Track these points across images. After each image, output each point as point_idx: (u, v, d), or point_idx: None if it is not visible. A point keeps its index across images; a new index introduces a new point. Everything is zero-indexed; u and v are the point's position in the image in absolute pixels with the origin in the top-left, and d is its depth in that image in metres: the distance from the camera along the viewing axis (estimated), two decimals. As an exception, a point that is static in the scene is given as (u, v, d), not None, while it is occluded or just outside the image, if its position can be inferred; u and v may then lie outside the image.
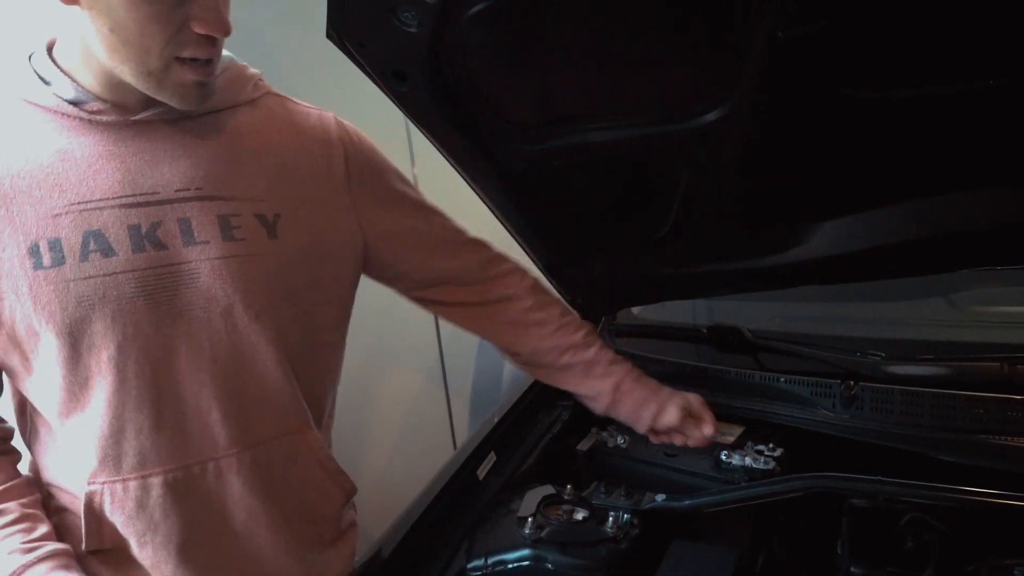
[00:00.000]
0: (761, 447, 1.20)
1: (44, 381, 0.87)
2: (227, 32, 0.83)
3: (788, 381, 1.28)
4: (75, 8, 0.79)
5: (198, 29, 0.80)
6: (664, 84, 1.08)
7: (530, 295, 1.18)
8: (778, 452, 1.19)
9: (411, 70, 1.05)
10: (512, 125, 1.16)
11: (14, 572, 0.83)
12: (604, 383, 1.18)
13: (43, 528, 0.89)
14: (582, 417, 1.40)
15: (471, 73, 1.08)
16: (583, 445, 1.32)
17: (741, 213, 1.29)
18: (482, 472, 1.24)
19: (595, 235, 1.40)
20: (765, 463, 1.16)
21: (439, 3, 0.94)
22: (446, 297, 1.15)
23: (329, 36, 1.01)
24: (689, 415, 1.15)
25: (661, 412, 1.15)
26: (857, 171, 1.14)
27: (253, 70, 1.00)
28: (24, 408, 0.95)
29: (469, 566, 1.04)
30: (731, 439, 1.24)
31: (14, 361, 0.87)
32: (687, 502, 1.09)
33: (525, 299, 1.18)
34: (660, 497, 1.12)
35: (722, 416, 1.30)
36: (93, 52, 0.82)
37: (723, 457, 1.19)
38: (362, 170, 1.03)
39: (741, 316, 1.50)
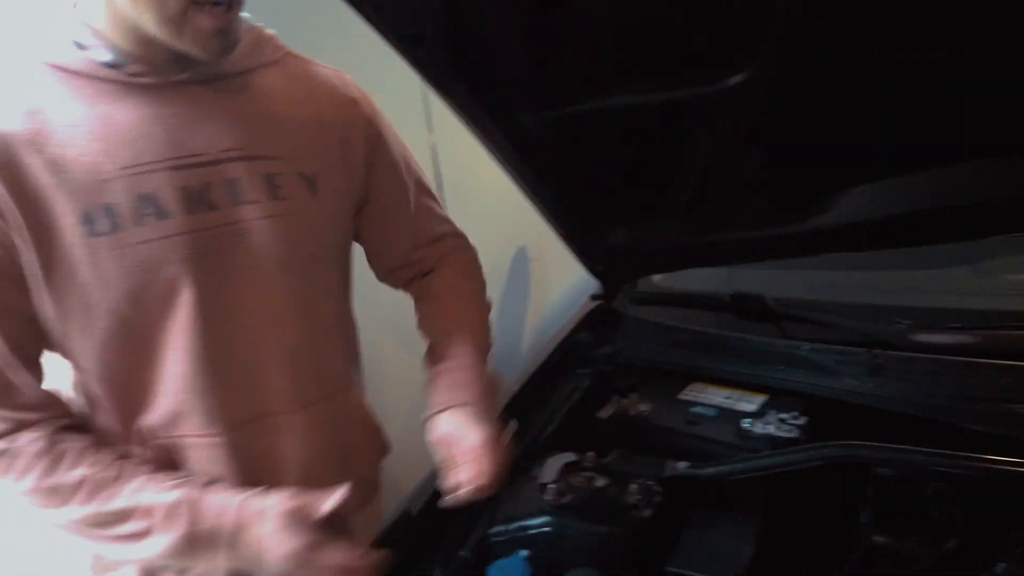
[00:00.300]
0: (784, 415, 1.19)
1: (105, 349, 0.87)
2: None
3: (812, 349, 1.27)
4: None
5: None
6: (688, 46, 1.06)
7: (448, 275, 1.15)
8: (801, 420, 1.18)
9: (429, 33, 1.04)
10: (531, 89, 1.15)
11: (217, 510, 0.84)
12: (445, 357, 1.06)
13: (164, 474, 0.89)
14: (603, 384, 1.40)
15: (490, 36, 1.06)
16: (604, 412, 1.31)
17: (765, 179, 1.27)
18: (503, 439, 1.25)
19: (615, 202, 1.39)
20: (788, 431, 1.15)
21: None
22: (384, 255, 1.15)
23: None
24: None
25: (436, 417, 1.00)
26: (884, 136, 1.12)
27: (269, 31, 1.00)
28: (79, 379, 0.94)
29: (491, 531, 1.04)
30: (753, 407, 1.23)
31: (67, 333, 0.87)
32: (710, 470, 1.09)
33: (439, 272, 1.15)
34: (682, 465, 1.11)
35: (744, 384, 1.30)
36: (116, 6, 0.81)
37: (746, 425, 1.18)
38: (379, 132, 1.04)
39: (763, 284, 1.48)
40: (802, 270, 1.55)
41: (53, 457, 0.85)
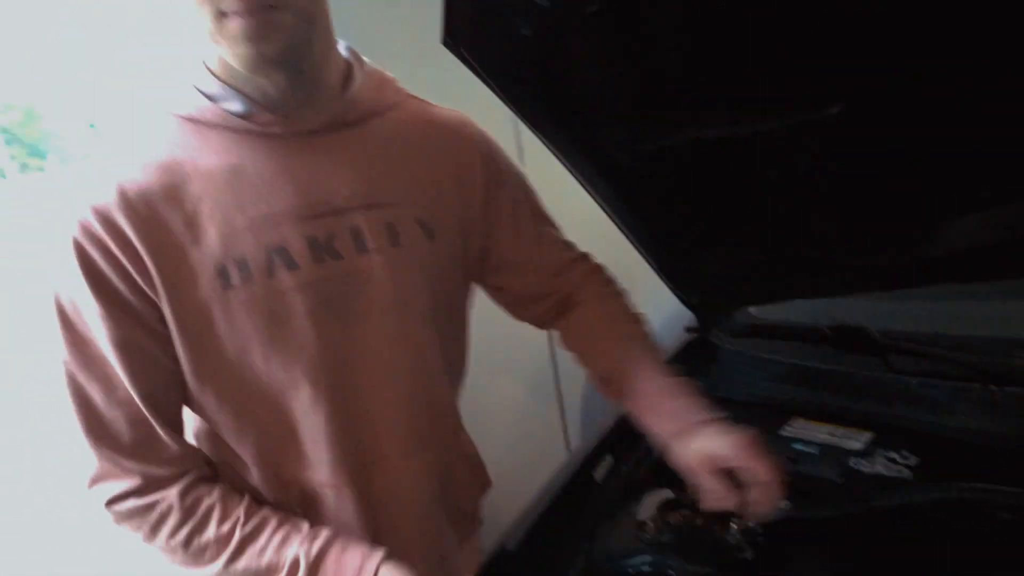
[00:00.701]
0: (893, 454, 1.14)
1: (238, 400, 0.90)
2: None
3: (922, 384, 1.21)
4: None
5: None
6: (784, 79, 1.04)
7: (593, 300, 1.15)
8: (912, 460, 1.13)
9: (525, 73, 1.06)
10: (623, 124, 1.15)
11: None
12: (646, 383, 1.06)
13: (302, 523, 0.91)
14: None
15: (584, 73, 1.07)
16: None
17: (866, 208, 1.23)
18: (599, 474, 1.24)
19: (710, 232, 1.37)
20: (899, 471, 1.10)
21: (553, 6, 0.94)
22: (517, 294, 1.16)
23: (445, 43, 1.02)
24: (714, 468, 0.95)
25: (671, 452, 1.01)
26: (996, 161, 1.07)
27: (389, 75, 1.02)
28: (206, 430, 0.98)
29: (589, 569, 1.04)
30: (860, 445, 1.18)
31: (197, 386, 0.89)
32: (815, 512, 1.05)
33: (584, 302, 1.14)
34: (784, 504, 1.08)
35: (849, 420, 1.25)
36: (199, 37, 0.81)
37: (852, 464, 1.14)
38: (497, 170, 1.05)
39: (866, 315, 1.43)
40: (908, 300, 1.49)
41: (198, 516, 0.87)
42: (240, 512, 0.89)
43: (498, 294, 1.16)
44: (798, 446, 1.23)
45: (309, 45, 0.85)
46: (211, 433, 0.95)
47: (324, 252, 0.88)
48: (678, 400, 1.01)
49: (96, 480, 0.87)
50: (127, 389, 0.85)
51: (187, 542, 0.86)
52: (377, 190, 0.92)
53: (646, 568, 1.00)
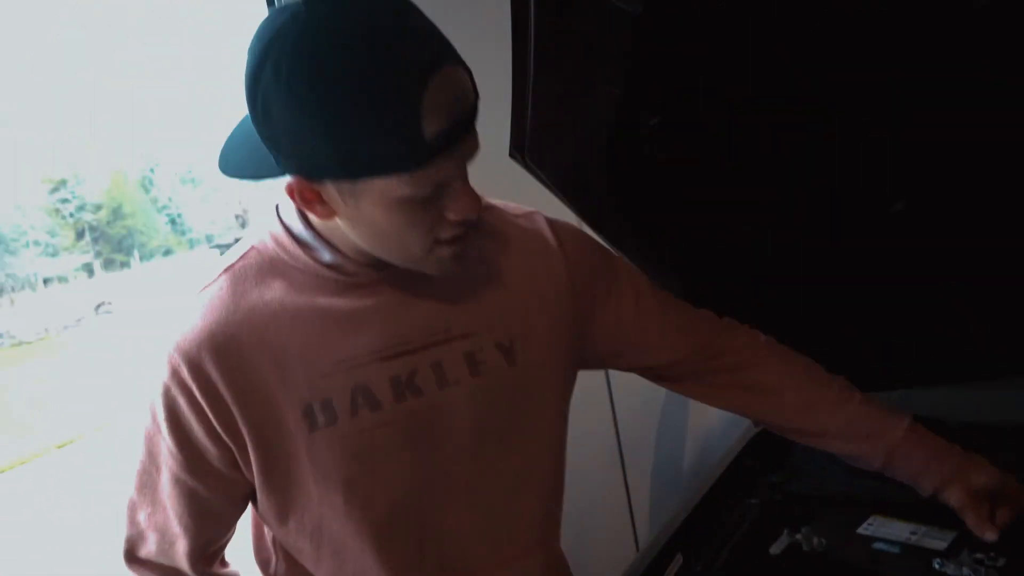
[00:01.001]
0: (980, 555, 1.09)
1: (313, 538, 0.93)
2: (479, 210, 0.83)
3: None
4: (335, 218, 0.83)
5: (453, 217, 0.81)
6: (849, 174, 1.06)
7: (762, 358, 1.12)
8: (1000, 561, 1.08)
9: (592, 180, 1.10)
10: (690, 228, 1.18)
11: None
12: (868, 447, 1.08)
13: None
14: (774, 516, 1.34)
15: (651, 178, 1.11)
16: (776, 548, 1.25)
17: (941, 301, 1.22)
18: (670, 574, 1.22)
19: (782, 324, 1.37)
20: (986, 573, 1.06)
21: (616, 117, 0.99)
22: (665, 374, 1.15)
23: (512, 156, 1.08)
24: (981, 499, 1.01)
25: (942, 491, 1.05)
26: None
27: None
28: (262, 539, 1.03)
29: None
30: (944, 545, 1.14)
31: (275, 522, 0.94)
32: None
33: (756, 363, 1.12)
34: (868, 608, 1.04)
35: (932, 518, 1.21)
36: (349, 240, 0.85)
37: (936, 566, 1.09)
38: (582, 274, 1.03)
39: (943, 405, 1.39)
40: (985, 391, 1.44)
41: None
42: None
43: (635, 370, 1.15)
44: (879, 546, 1.19)
45: None
46: (289, 556, 0.99)
47: (406, 389, 0.90)
48: (922, 448, 1.05)
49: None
50: (171, 525, 0.93)
51: None
52: (457, 322, 0.93)
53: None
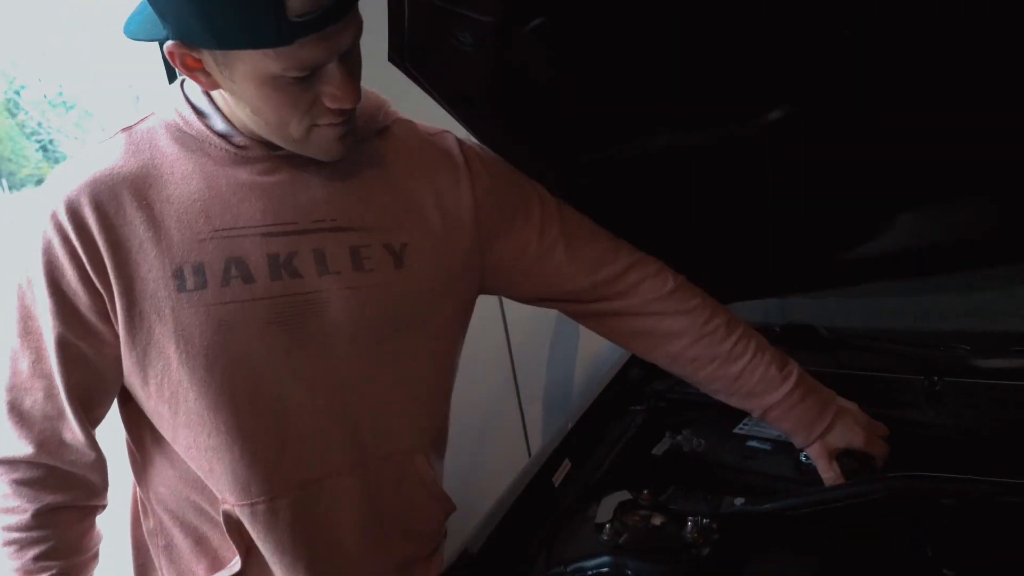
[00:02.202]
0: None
1: (171, 405, 0.90)
2: (357, 101, 0.84)
3: (868, 379, 1.25)
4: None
5: (329, 104, 0.83)
6: (733, 82, 1.07)
7: (664, 301, 1.11)
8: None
9: (475, 91, 1.07)
10: (576, 137, 1.17)
11: None
12: (751, 404, 1.12)
13: None
14: (657, 421, 1.39)
15: (534, 89, 1.08)
16: (658, 449, 1.31)
17: (810, 210, 1.26)
18: (557, 479, 1.25)
19: (665, 239, 1.39)
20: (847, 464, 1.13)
21: (494, 21, 0.95)
22: (567, 309, 1.15)
23: (392, 60, 1.03)
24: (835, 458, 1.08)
25: (805, 449, 1.12)
26: (936, 159, 1.10)
27: (383, 96, 1.02)
28: (137, 434, 0.99)
29: (548, 573, 1.05)
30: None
31: (137, 383, 0.91)
32: (767, 506, 1.07)
33: (657, 307, 1.11)
34: (739, 501, 1.10)
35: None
36: (239, 115, 0.87)
37: (804, 459, 1.16)
38: (486, 196, 1.03)
39: (813, 313, 1.46)
40: (854, 298, 1.53)
41: (28, 537, 0.91)
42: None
43: (537, 302, 1.15)
44: (752, 443, 1.26)
45: None
46: (144, 440, 0.97)
47: (283, 268, 0.89)
48: (801, 408, 1.08)
49: None
50: (53, 369, 0.89)
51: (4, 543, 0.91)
52: (347, 214, 0.93)
53: (605, 570, 1.01)
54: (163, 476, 0.98)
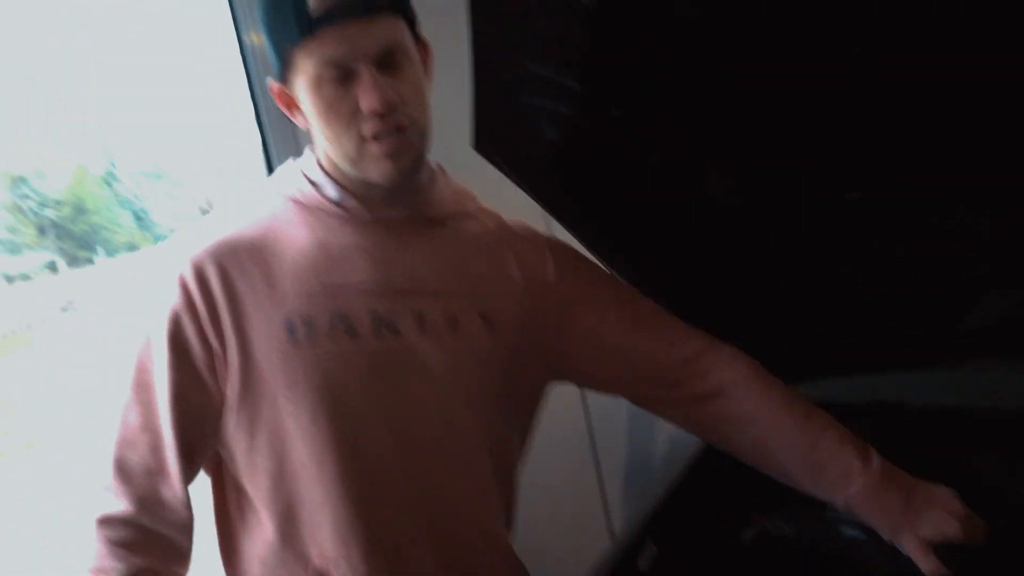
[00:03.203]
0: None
1: (278, 457, 0.95)
2: (383, 107, 0.89)
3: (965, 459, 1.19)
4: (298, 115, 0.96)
5: (361, 106, 0.89)
6: (802, 165, 1.06)
7: (740, 385, 1.09)
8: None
9: (555, 176, 1.10)
10: (653, 222, 1.18)
11: None
12: (833, 494, 1.06)
13: None
14: (744, 502, 1.35)
15: (613, 176, 1.11)
16: (745, 535, 1.27)
17: (899, 286, 1.23)
18: (644, 564, 1.22)
19: (737, 323, 1.37)
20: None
21: (574, 112, 0.99)
22: (642, 393, 1.15)
23: (476, 148, 1.08)
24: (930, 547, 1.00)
25: (895, 540, 1.04)
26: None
27: (469, 189, 1.10)
28: (224, 493, 1.03)
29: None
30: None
31: (244, 439, 0.95)
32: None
33: (733, 391, 1.09)
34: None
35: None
36: (327, 153, 0.97)
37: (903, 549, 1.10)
38: (566, 277, 1.08)
39: (904, 390, 1.41)
40: (947, 373, 1.46)
41: None
42: None
43: (614, 387, 1.17)
44: (847, 530, 1.20)
45: (423, 158, 0.99)
46: (243, 496, 1.01)
47: (384, 327, 0.94)
48: (882, 496, 1.03)
49: (100, 489, 0.96)
50: (161, 422, 0.94)
51: None
52: (444, 280, 0.99)
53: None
54: (255, 538, 1.00)
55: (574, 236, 1.21)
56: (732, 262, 1.22)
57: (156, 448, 0.95)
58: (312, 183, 1.00)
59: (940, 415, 1.30)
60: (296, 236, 0.97)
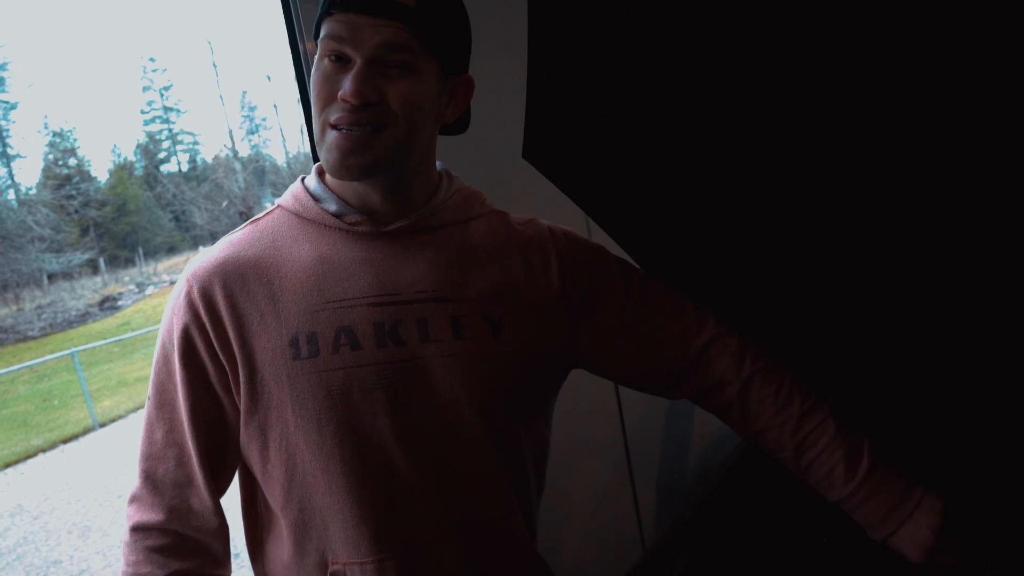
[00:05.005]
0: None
1: (288, 467, 0.97)
2: (356, 98, 0.89)
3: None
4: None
5: (340, 94, 0.90)
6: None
7: (741, 387, 1.10)
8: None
9: (601, 185, 1.12)
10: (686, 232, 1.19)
11: None
12: (826, 495, 1.09)
13: None
14: (780, 512, 1.36)
15: (652, 184, 1.12)
16: (782, 544, 1.27)
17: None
18: (676, 571, 1.24)
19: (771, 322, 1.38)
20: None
21: (615, 124, 1.01)
22: (649, 389, 1.16)
23: (525, 157, 1.10)
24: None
25: (885, 543, 1.06)
26: None
27: (477, 189, 1.10)
28: (253, 500, 1.06)
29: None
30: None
31: (257, 449, 0.98)
32: None
33: (733, 392, 1.10)
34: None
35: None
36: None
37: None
38: (573, 272, 1.07)
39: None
40: (947, 372, 1.45)
41: None
42: None
43: (619, 382, 1.18)
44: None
45: (403, 165, 0.97)
46: (259, 506, 1.04)
47: (387, 336, 0.95)
48: (873, 503, 1.05)
49: (132, 500, 1.01)
50: (185, 436, 0.98)
51: None
52: (447, 286, 0.99)
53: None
54: (278, 543, 1.03)
55: (615, 241, 1.23)
56: (774, 271, 1.23)
57: (182, 461, 0.99)
58: (314, 197, 1.02)
59: (940, 415, 1.29)
60: (298, 253, 0.99)
